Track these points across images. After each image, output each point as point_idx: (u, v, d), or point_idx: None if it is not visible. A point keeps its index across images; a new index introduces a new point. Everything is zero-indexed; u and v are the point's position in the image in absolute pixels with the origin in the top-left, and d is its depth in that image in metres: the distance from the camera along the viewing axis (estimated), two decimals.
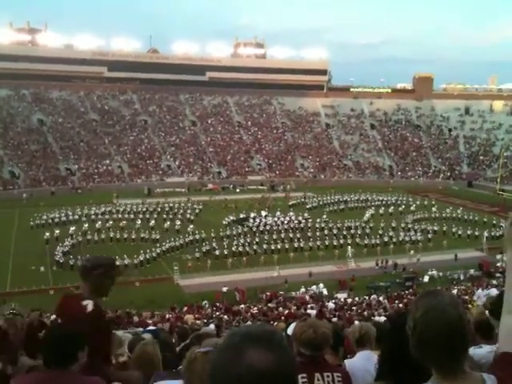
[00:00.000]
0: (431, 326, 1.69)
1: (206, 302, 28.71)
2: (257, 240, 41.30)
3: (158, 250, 38.43)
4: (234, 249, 39.12)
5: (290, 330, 4.05)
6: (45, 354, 2.98)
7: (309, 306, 25.74)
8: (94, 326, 3.11)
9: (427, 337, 1.70)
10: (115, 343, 4.74)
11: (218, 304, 28.48)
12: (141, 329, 9.58)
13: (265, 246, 39.95)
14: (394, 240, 42.49)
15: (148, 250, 37.81)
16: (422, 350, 1.73)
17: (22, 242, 40.12)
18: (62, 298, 3.67)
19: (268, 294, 31.20)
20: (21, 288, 31.04)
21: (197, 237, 41.55)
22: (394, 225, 46.15)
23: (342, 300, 28.88)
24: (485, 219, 49.50)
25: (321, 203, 56.42)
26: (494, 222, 48.47)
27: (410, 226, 46.68)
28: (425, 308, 1.74)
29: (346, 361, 4.10)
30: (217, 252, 38.54)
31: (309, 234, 42.78)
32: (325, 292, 31.85)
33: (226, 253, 38.40)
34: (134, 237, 41.47)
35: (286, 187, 65.51)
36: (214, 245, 39.54)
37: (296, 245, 40.42)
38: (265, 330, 1.32)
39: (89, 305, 3.29)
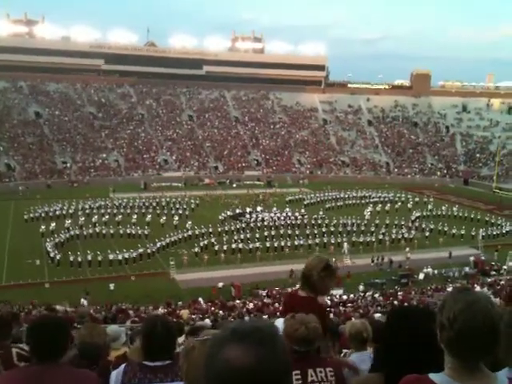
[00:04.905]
0: (475, 319, 1.66)
1: (201, 299, 28.66)
2: (257, 236, 41.00)
3: (158, 245, 38.21)
4: (234, 245, 38.77)
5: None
6: (36, 345, 2.83)
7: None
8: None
9: (469, 328, 1.66)
10: (109, 337, 4.76)
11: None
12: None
13: (262, 243, 39.54)
14: (393, 237, 42.24)
15: (147, 245, 37.55)
16: (460, 341, 1.68)
17: (18, 235, 40.05)
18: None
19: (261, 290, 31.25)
20: (16, 281, 31.02)
21: (196, 232, 41.35)
22: (396, 222, 45.90)
23: (338, 297, 28.95)
24: (479, 217, 49.60)
25: (318, 200, 56.39)
26: (490, 219, 48.63)
27: (410, 224, 46.12)
28: (466, 302, 1.70)
29: None
30: (216, 247, 38.36)
31: (307, 232, 42.50)
32: None
33: (225, 248, 38.16)
34: (129, 231, 41.30)
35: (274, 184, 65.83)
36: (212, 240, 39.45)
37: (296, 242, 39.82)
38: (253, 326, 1.29)
39: None
